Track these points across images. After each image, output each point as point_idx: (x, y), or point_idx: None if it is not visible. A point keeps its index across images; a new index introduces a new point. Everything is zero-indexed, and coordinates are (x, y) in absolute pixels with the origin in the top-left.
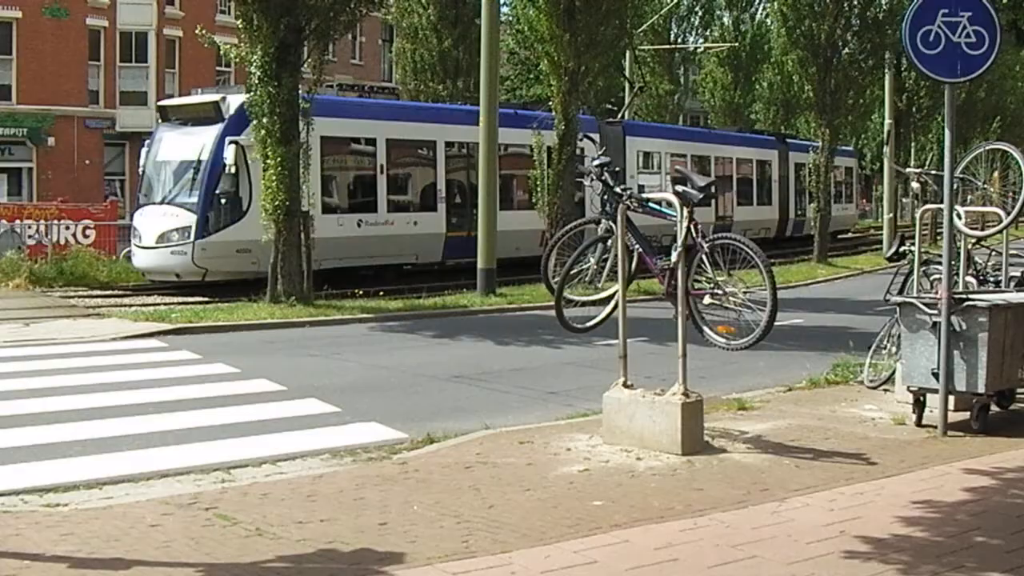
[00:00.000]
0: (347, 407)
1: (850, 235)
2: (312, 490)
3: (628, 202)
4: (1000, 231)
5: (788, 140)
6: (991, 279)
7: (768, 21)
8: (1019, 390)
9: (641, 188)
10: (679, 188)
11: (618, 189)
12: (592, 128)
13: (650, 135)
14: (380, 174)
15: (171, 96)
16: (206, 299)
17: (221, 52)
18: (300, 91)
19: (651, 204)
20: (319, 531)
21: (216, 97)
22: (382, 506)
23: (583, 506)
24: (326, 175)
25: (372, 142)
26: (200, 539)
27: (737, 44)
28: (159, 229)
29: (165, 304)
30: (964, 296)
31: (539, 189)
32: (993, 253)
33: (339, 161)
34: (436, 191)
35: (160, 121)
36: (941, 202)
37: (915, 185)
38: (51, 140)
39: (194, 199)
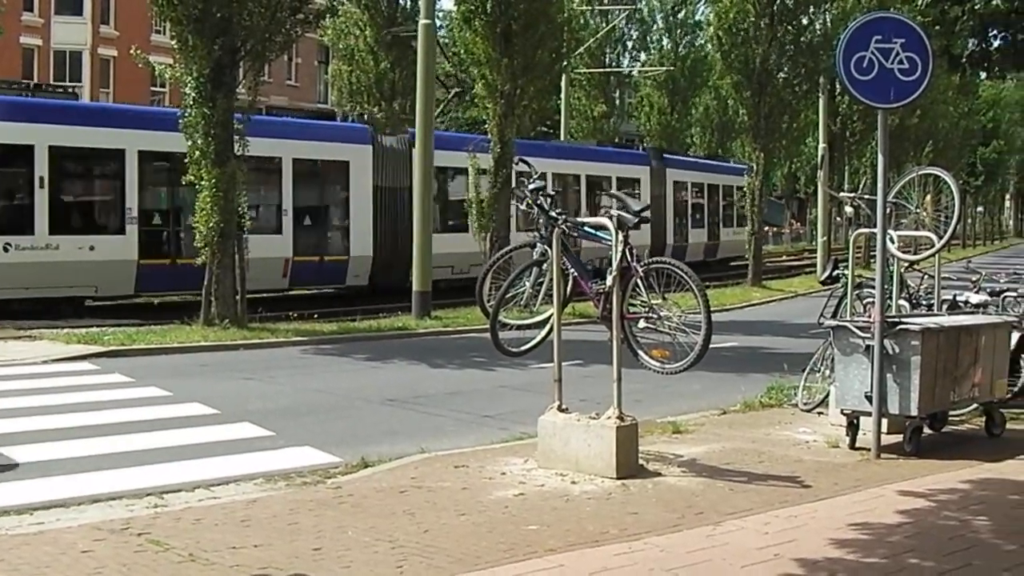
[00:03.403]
0: (281, 431)
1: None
2: (246, 515)
3: (563, 226)
4: (932, 255)
5: (666, 156)
6: (924, 303)
7: (707, 45)
8: (951, 413)
9: None
10: (614, 212)
11: (553, 213)
12: (364, 138)
13: (452, 148)
14: (40, 188)
15: None
16: (139, 321)
17: (156, 72)
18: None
19: (586, 228)
20: (253, 556)
21: None
22: (316, 531)
23: (518, 530)
24: None
25: (28, 150)
26: (132, 565)
27: (675, 68)
28: None
29: (98, 326)
30: (897, 320)
31: (472, 212)
32: (926, 277)
33: None
34: (124, 210)
35: None
36: (874, 226)
37: (848, 209)
38: None
39: None
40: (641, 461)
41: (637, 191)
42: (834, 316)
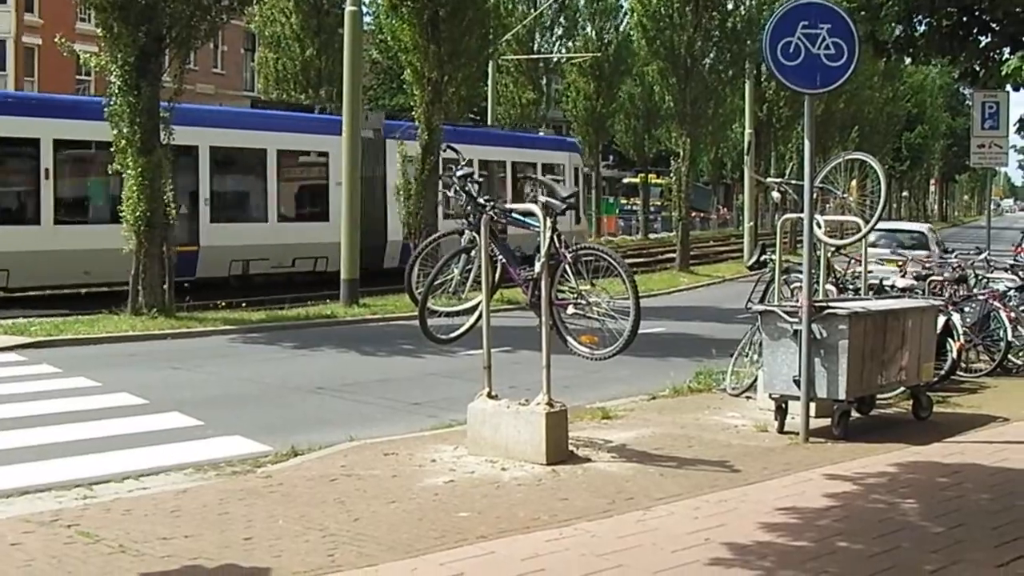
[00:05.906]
0: (210, 420)
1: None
2: (176, 505)
3: (491, 213)
4: (859, 240)
5: (389, 123)
6: (851, 287)
7: (631, 32)
8: (879, 396)
9: None
10: (543, 199)
11: (481, 200)
12: None
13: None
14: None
15: None
16: (66, 312)
17: (81, 61)
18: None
19: (514, 215)
20: (183, 547)
21: None
22: (247, 521)
23: (449, 518)
24: None
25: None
26: (62, 557)
27: (600, 55)
28: None
29: (24, 317)
30: (824, 304)
31: (399, 199)
32: (852, 261)
33: None
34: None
35: None
36: (801, 211)
37: (775, 195)
38: None
39: None
40: (571, 447)
41: (325, 170)
42: (762, 301)
